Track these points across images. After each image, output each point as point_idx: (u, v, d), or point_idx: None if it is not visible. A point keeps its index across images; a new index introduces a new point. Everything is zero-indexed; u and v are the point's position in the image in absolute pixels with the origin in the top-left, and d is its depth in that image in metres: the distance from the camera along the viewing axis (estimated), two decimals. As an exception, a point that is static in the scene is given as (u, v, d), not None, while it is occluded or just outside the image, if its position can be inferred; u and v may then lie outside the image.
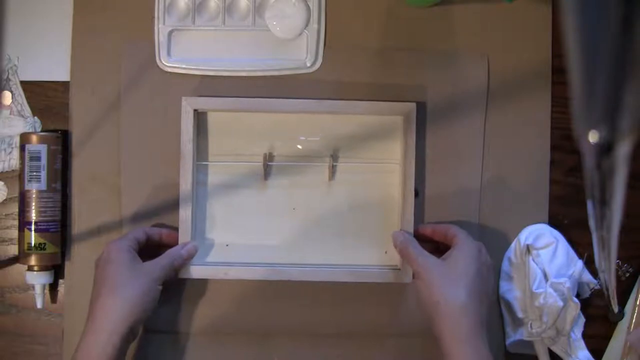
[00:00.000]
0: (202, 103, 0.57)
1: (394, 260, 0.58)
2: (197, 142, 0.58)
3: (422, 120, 0.59)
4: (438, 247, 0.57)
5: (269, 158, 0.59)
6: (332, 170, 0.59)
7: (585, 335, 0.57)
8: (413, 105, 0.57)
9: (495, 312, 0.59)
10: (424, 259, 0.53)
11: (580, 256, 0.58)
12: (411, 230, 0.57)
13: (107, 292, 0.51)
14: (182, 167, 0.56)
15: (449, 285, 0.50)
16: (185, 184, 0.56)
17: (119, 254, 0.52)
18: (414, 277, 0.55)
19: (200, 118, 0.58)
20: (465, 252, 0.52)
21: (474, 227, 0.59)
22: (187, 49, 0.60)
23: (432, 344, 0.58)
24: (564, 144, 0.60)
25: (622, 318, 0.59)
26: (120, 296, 0.50)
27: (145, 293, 0.51)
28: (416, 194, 0.58)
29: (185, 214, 0.56)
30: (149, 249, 0.56)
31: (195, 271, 0.56)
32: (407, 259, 0.55)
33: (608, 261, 0.39)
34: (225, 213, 0.59)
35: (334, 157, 0.59)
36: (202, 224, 0.58)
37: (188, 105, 0.57)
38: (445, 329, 0.49)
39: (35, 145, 0.57)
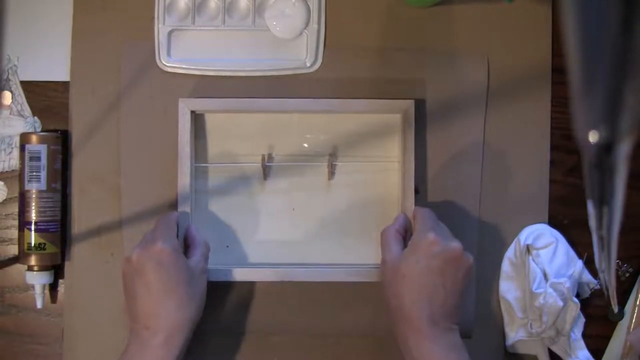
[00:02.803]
0: (198, 104, 0.57)
1: None
2: (196, 143, 0.58)
3: (422, 120, 0.59)
4: None
5: (267, 159, 0.59)
6: (332, 170, 0.59)
7: (585, 335, 0.57)
8: (411, 102, 0.57)
9: (495, 312, 0.59)
10: (386, 255, 0.52)
11: (580, 256, 0.58)
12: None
13: (177, 302, 0.50)
14: (179, 169, 0.56)
15: (394, 289, 0.49)
16: (183, 186, 0.56)
17: (176, 257, 0.50)
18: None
19: (198, 119, 0.58)
20: (413, 248, 0.50)
21: (474, 227, 0.59)
22: (187, 49, 0.60)
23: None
24: (564, 144, 0.60)
25: (622, 318, 0.59)
26: (191, 307, 0.51)
27: (204, 295, 0.53)
28: (416, 192, 0.57)
29: (183, 214, 0.56)
30: None
31: None
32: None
33: (608, 261, 0.39)
34: (224, 214, 0.59)
35: (333, 157, 0.59)
36: (202, 225, 0.58)
37: (185, 107, 0.56)
38: (396, 337, 0.50)
39: (35, 145, 0.57)
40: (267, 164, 0.58)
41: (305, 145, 0.59)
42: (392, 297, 0.50)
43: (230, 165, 0.59)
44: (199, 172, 0.58)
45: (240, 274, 0.56)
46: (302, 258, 0.58)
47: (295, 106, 0.57)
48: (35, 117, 0.60)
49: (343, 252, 0.58)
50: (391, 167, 0.59)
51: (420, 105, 0.59)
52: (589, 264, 0.58)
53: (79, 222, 0.59)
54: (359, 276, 0.56)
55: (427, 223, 0.51)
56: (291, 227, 0.59)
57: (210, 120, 0.59)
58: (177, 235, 0.55)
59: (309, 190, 0.59)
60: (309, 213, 0.59)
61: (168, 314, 0.49)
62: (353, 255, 0.58)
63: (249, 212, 0.59)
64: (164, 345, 0.48)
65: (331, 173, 0.59)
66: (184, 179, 0.56)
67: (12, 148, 0.60)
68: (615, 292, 0.53)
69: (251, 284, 0.59)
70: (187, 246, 0.55)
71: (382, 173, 0.59)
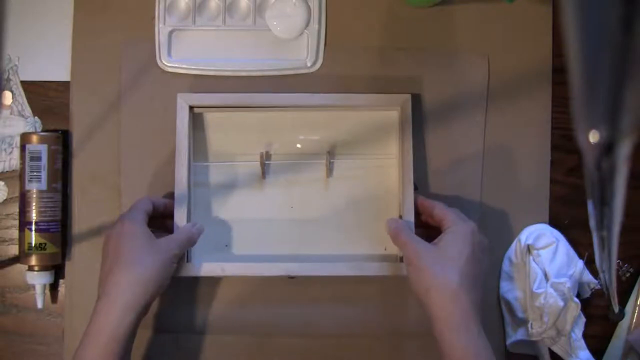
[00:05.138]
0: (196, 99, 0.57)
1: (393, 255, 0.58)
2: (195, 142, 0.58)
3: (420, 120, 0.59)
4: (430, 233, 0.55)
5: (266, 157, 0.59)
6: (330, 167, 0.58)
7: (585, 335, 0.57)
8: (408, 97, 0.57)
9: (495, 312, 0.59)
10: (415, 244, 0.51)
11: (580, 256, 0.58)
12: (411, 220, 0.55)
13: (121, 267, 0.49)
14: (177, 163, 0.56)
15: (440, 270, 0.49)
16: (181, 181, 0.56)
17: (134, 227, 0.51)
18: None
19: (197, 118, 0.58)
20: (456, 235, 0.51)
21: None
22: (188, 49, 0.60)
23: (432, 344, 0.58)
24: (564, 144, 0.60)
25: (623, 318, 0.59)
26: (136, 272, 0.49)
27: (161, 269, 0.50)
28: (415, 188, 0.57)
29: (180, 210, 0.55)
30: (152, 219, 0.55)
31: (192, 268, 0.55)
32: (399, 246, 0.54)
33: (608, 261, 0.39)
34: (224, 212, 0.59)
35: (331, 154, 0.59)
36: (201, 223, 0.58)
37: (183, 102, 0.56)
38: (437, 316, 0.48)
39: (36, 145, 0.57)
40: (266, 162, 0.58)
41: (301, 144, 0.59)
42: (430, 281, 0.49)
43: (229, 163, 0.59)
44: (198, 171, 0.58)
45: (236, 269, 0.55)
46: (301, 256, 0.58)
47: (292, 101, 0.57)
48: (36, 117, 0.60)
49: (342, 249, 0.58)
50: (389, 164, 0.59)
51: (419, 104, 0.59)
52: (590, 264, 0.58)
53: (80, 222, 0.59)
54: (359, 270, 0.55)
55: (456, 214, 0.53)
56: (290, 225, 0.59)
57: (210, 119, 0.59)
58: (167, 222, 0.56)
59: (308, 188, 0.59)
60: (307, 210, 0.59)
61: (116, 285, 0.49)
62: (352, 252, 0.58)
63: (247, 210, 0.59)
64: (110, 317, 0.47)
65: (329, 170, 0.59)
66: (182, 174, 0.56)
67: (12, 148, 0.60)
68: (615, 292, 0.53)
69: (251, 284, 0.59)
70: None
71: (380, 170, 0.59)
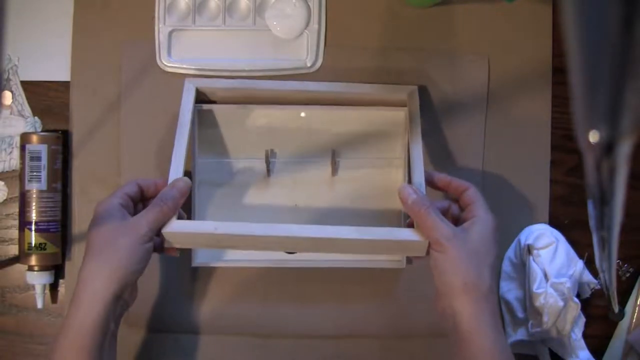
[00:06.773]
0: (204, 83, 0.57)
1: (397, 255, 0.58)
2: (200, 139, 0.58)
3: (421, 120, 0.59)
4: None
5: (271, 155, 0.59)
6: (335, 167, 0.59)
7: (585, 335, 0.57)
8: (414, 88, 0.57)
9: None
10: (448, 230, 0.47)
11: (580, 256, 0.58)
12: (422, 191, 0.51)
13: (90, 259, 0.47)
14: (177, 136, 0.53)
15: (477, 265, 0.47)
16: (180, 155, 0.52)
17: (105, 214, 0.48)
18: (429, 246, 0.49)
19: (203, 115, 0.58)
20: (486, 230, 0.49)
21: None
22: (188, 49, 0.60)
23: (432, 344, 0.58)
24: (564, 144, 0.60)
25: (623, 318, 0.59)
26: (101, 262, 0.46)
27: (128, 254, 0.46)
28: None
29: (177, 158, 0.52)
30: (146, 201, 0.52)
31: (180, 225, 0.49)
32: (423, 224, 0.49)
33: (608, 261, 0.39)
34: (228, 210, 0.59)
35: (337, 153, 0.59)
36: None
37: (191, 85, 0.56)
38: (470, 310, 0.46)
39: (36, 145, 0.57)
40: (271, 160, 0.58)
41: (307, 143, 0.59)
42: (467, 275, 0.47)
43: (234, 160, 0.59)
44: (203, 168, 0.58)
45: (230, 228, 0.50)
46: (304, 254, 0.58)
47: (297, 87, 0.57)
48: (36, 117, 0.60)
49: None
50: (395, 164, 0.59)
51: (420, 104, 0.59)
52: (590, 264, 0.58)
53: (80, 222, 0.59)
54: (367, 234, 0.50)
55: (486, 206, 0.51)
56: (294, 223, 0.58)
57: (215, 116, 0.58)
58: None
59: (312, 186, 0.59)
60: (311, 209, 0.59)
61: (83, 278, 0.46)
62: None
63: (252, 208, 0.59)
64: (78, 311, 0.46)
65: (334, 169, 0.59)
66: (181, 145, 0.52)
67: (12, 148, 0.60)
68: (615, 292, 0.53)
69: (251, 284, 0.59)
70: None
71: (385, 170, 0.59)
